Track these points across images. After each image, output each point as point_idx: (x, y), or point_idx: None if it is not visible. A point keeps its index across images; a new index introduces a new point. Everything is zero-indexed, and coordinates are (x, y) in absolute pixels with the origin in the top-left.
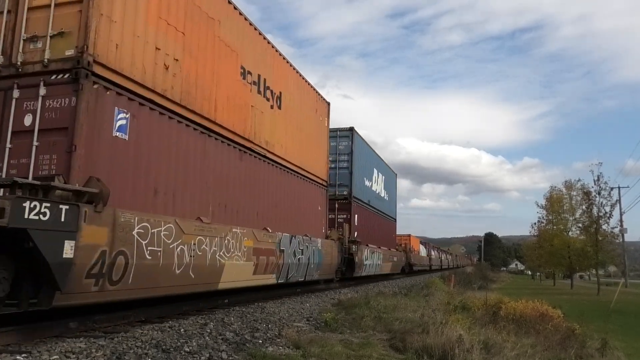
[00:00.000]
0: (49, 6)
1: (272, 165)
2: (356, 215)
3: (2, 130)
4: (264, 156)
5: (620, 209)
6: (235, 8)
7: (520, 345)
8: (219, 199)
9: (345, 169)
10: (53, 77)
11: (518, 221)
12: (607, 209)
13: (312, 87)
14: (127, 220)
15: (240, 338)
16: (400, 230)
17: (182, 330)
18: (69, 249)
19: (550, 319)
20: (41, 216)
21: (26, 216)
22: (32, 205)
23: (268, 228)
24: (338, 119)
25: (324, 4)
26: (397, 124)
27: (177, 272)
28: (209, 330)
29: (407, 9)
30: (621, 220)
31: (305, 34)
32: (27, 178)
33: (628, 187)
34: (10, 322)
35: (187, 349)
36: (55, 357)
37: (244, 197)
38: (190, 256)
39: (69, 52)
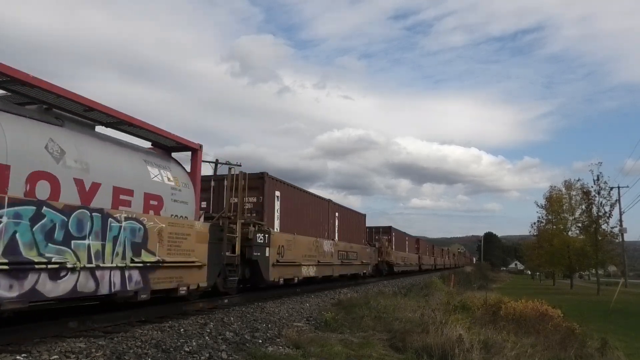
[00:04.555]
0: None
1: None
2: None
3: None
4: None
5: (620, 208)
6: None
7: (520, 345)
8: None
9: None
10: None
11: (518, 221)
12: (607, 208)
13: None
14: None
15: (240, 338)
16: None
17: (182, 330)
18: None
19: (550, 318)
20: None
21: None
22: None
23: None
24: (338, 119)
25: (327, 6)
26: (398, 125)
27: None
28: (208, 330)
29: (410, 10)
30: (621, 220)
31: (308, 35)
32: None
33: (628, 186)
34: (10, 321)
35: (187, 349)
36: (55, 356)
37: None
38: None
39: None
